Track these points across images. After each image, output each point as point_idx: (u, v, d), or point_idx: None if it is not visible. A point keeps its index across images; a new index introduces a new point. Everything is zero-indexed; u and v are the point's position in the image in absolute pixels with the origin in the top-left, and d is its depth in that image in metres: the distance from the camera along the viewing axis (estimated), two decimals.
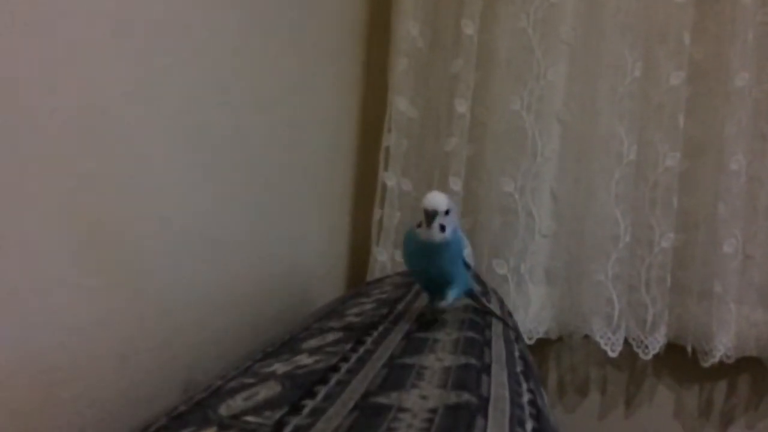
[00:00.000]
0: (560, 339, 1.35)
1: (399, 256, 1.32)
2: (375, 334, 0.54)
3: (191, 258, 0.66)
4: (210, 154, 0.70)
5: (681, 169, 1.26)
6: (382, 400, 0.38)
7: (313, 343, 0.53)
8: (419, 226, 0.62)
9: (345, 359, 0.47)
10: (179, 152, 0.64)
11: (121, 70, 0.53)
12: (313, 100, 1.06)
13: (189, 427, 0.37)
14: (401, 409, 0.36)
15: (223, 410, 0.39)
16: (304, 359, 0.47)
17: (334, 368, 0.45)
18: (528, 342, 1.26)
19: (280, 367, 0.47)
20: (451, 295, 0.64)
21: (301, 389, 0.40)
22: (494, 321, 0.66)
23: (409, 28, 1.27)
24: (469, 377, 0.41)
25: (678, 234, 1.28)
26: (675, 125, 1.24)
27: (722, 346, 1.24)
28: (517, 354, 0.51)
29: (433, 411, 0.36)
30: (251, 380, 0.44)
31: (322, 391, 0.39)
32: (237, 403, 0.40)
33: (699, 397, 1.39)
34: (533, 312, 1.28)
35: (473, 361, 0.44)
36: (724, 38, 1.25)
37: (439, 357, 0.45)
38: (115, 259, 0.53)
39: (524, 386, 0.41)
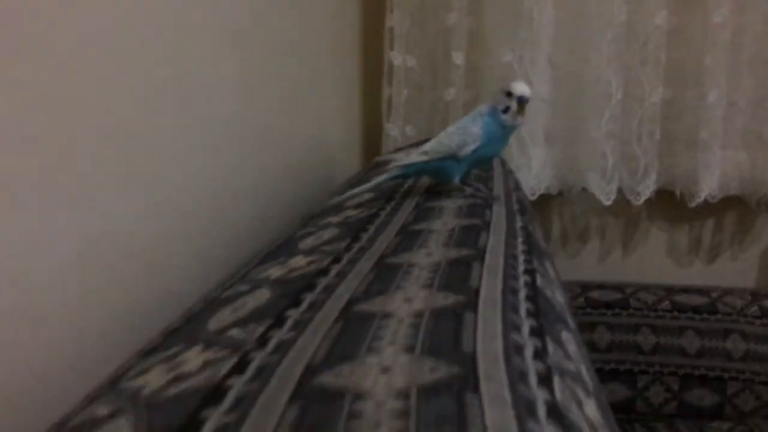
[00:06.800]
0: (561, 194, 1.47)
1: (410, 131, 1.43)
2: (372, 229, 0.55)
3: (229, 143, 0.76)
4: (240, 47, 0.78)
5: (670, 26, 1.33)
6: (395, 260, 0.42)
7: (309, 242, 0.54)
8: (505, 111, 0.63)
9: (337, 260, 0.46)
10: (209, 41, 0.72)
11: None
12: None
13: (178, 345, 0.38)
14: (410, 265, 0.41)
15: (212, 324, 0.39)
16: (299, 261, 0.48)
17: (324, 271, 0.44)
18: (531, 198, 1.40)
19: (273, 272, 0.47)
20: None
21: (288, 297, 0.40)
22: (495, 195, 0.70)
23: None
24: (469, 236, 0.48)
25: (667, 89, 1.37)
26: None
27: (707, 187, 1.36)
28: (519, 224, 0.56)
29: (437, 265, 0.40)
30: (245, 287, 0.45)
31: (307, 300, 0.39)
32: (225, 315, 0.40)
33: (689, 236, 1.54)
34: (535, 171, 1.40)
35: (476, 221, 0.51)
36: None
37: (445, 221, 0.51)
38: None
39: (519, 241, 0.50)
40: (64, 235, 0.44)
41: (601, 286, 1.35)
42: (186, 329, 0.41)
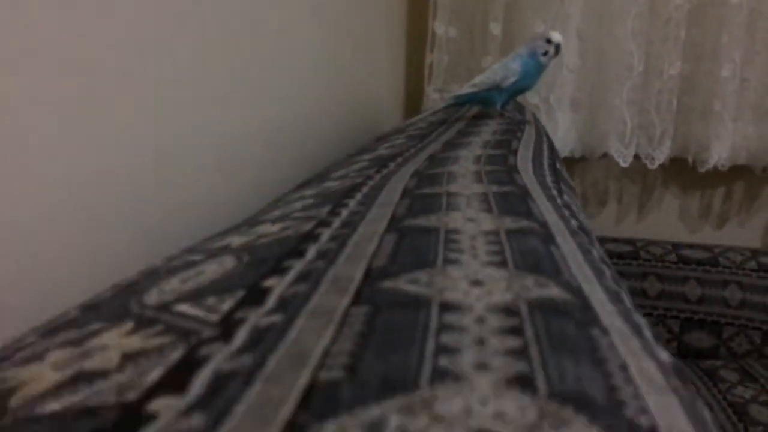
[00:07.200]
0: (583, 158, 1.62)
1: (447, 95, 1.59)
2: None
3: (311, 82, 0.93)
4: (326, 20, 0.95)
5: (690, 5, 1.46)
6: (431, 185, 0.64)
7: (387, 144, 0.79)
8: (545, 54, 0.80)
9: (413, 146, 0.74)
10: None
11: None
12: None
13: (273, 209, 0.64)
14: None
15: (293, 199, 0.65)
16: (383, 151, 0.70)
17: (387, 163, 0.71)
18: None
19: (366, 156, 0.64)
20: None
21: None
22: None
23: None
24: (509, 134, 0.67)
25: (685, 63, 1.50)
26: None
27: (717, 155, 1.50)
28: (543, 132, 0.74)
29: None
30: (345, 168, 0.63)
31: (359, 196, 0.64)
32: (342, 175, 0.66)
33: (700, 202, 1.68)
34: (560, 135, 1.55)
35: (514, 128, 0.69)
36: None
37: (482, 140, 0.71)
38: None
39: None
40: (224, 123, 0.61)
41: (614, 240, 1.50)
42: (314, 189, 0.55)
